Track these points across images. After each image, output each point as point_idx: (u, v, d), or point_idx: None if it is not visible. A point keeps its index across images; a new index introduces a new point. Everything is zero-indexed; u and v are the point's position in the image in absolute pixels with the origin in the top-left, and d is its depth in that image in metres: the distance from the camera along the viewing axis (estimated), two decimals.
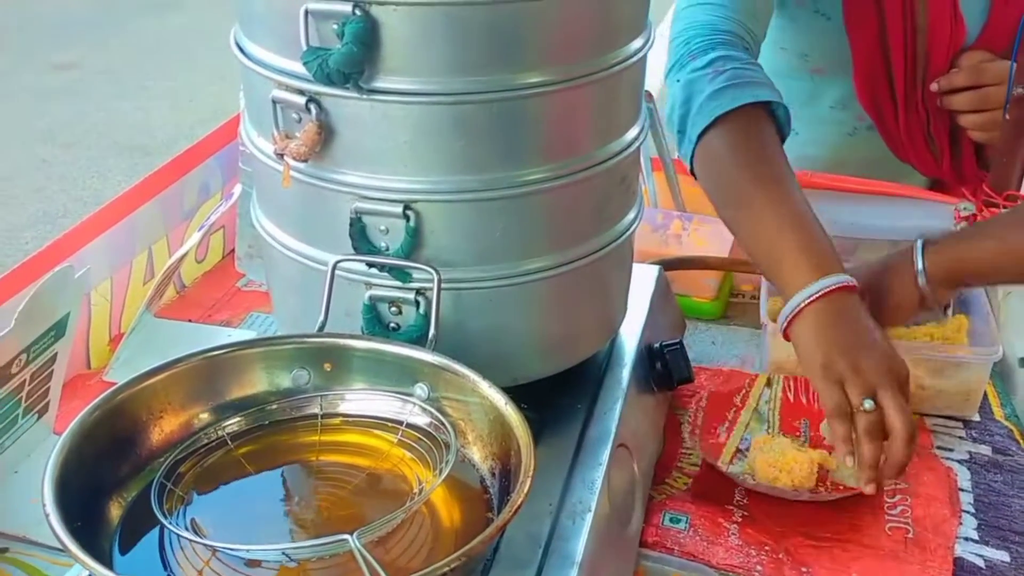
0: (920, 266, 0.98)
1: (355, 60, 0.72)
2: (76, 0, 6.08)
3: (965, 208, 1.26)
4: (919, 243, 1.00)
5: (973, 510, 0.97)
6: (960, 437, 1.08)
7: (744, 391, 1.11)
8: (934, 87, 1.28)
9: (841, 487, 0.97)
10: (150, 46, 5.45)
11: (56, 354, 0.95)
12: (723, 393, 1.11)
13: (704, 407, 1.10)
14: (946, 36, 1.26)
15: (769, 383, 1.11)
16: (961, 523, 0.95)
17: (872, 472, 0.89)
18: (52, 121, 4.51)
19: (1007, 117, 1.24)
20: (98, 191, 3.85)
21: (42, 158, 4.19)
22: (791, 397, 1.10)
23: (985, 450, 1.06)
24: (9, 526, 0.90)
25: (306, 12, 0.73)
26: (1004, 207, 1.23)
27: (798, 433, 1.06)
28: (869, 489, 0.90)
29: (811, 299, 0.94)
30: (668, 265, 1.20)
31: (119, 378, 0.96)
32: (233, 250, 1.37)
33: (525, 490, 0.64)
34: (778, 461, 0.98)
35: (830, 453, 0.99)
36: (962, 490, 1.00)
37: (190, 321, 1.23)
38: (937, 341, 1.10)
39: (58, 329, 0.93)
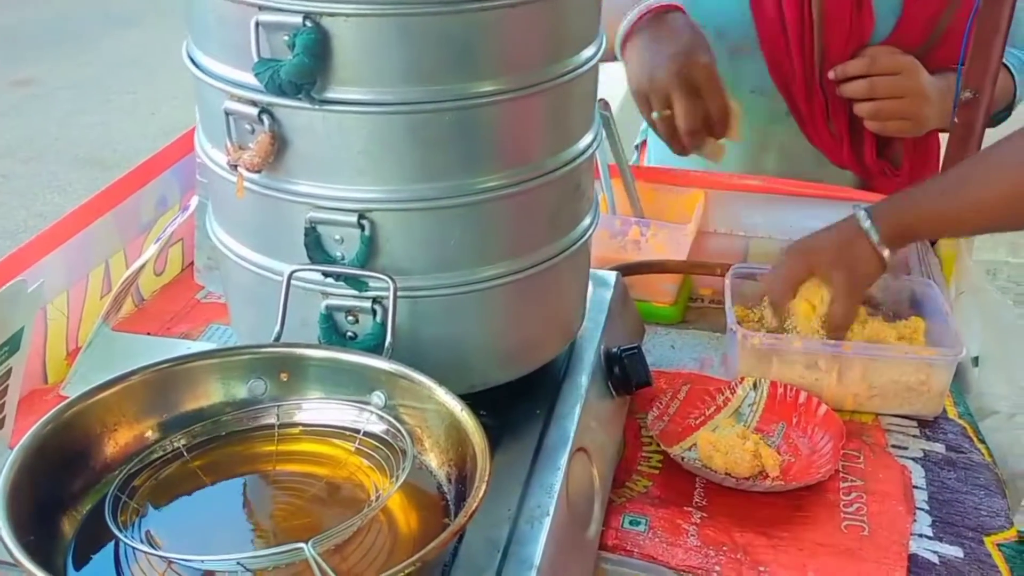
0: (867, 225, 1.06)
1: (306, 71, 0.73)
2: (33, 17, 6.03)
3: None
4: (861, 210, 1.08)
5: (927, 507, 0.99)
6: (914, 435, 1.09)
7: (728, 391, 1.12)
8: (831, 75, 1.31)
9: (789, 480, 0.98)
10: (110, 61, 5.42)
11: (11, 369, 0.93)
12: (707, 389, 1.13)
13: (682, 398, 1.11)
14: (845, 25, 1.29)
15: (755, 386, 1.12)
16: (916, 520, 0.97)
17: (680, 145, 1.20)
18: (11, 137, 4.47)
19: (956, 120, 1.27)
20: (58, 206, 3.82)
21: (1, 174, 4.14)
22: (776, 399, 1.11)
23: (939, 448, 1.07)
24: None
25: (257, 24, 0.73)
26: None
27: (771, 435, 1.07)
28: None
29: (639, 16, 1.10)
30: (626, 270, 1.21)
31: (76, 392, 0.95)
32: (192, 263, 1.36)
33: (480, 495, 0.65)
34: (718, 442, 1.01)
35: None
36: (916, 487, 1.01)
37: (149, 334, 1.22)
38: (898, 343, 1.12)
39: (12, 344, 0.92)
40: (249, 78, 0.75)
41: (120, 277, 1.21)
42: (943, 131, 1.40)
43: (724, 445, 1.01)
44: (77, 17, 6.07)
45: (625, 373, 1.03)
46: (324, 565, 0.59)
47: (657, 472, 1.03)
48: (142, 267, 1.18)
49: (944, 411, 1.13)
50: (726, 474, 0.99)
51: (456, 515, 0.70)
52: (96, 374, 1.06)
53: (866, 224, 1.08)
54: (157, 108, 4.75)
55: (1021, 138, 1.01)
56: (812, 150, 1.40)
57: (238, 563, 0.63)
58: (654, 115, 1.22)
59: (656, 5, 1.23)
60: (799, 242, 1.15)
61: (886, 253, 1.08)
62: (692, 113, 1.20)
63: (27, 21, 5.96)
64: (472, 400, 0.75)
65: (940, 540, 0.95)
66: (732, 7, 1.35)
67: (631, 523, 0.95)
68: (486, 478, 0.66)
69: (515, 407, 0.92)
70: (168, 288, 1.34)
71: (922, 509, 0.98)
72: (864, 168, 1.40)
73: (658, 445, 1.03)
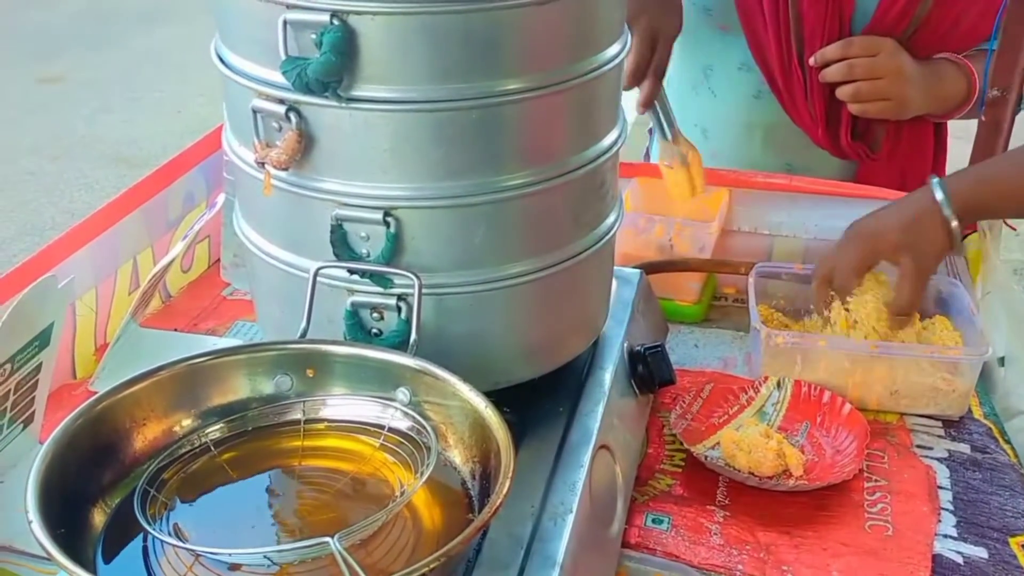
0: (941, 197, 1.05)
1: (333, 69, 0.73)
2: (59, 14, 6.09)
3: None
4: (935, 181, 1.06)
5: (952, 507, 0.98)
6: (939, 436, 1.09)
7: (752, 391, 1.12)
8: (811, 61, 1.31)
9: (814, 478, 0.98)
10: (137, 58, 5.46)
11: (41, 364, 0.95)
12: (731, 388, 1.12)
13: (706, 397, 1.11)
14: (822, 1, 1.29)
15: (779, 385, 1.12)
16: (940, 520, 0.96)
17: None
18: (39, 134, 4.52)
19: (983, 119, 1.26)
20: (86, 203, 3.85)
21: (29, 171, 4.19)
22: (800, 399, 1.10)
23: (964, 448, 1.07)
24: None
25: (284, 22, 0.74)
26: None
27: (795, 434, 1.07)
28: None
29: None
30: (650, 268, 1.21)
31: (105, 388, 0.96)
32: (218, 260, 1.37)
33: (504, 491, 0.65)
34: (741, 441, 1.01)
35: None
36: (941, 488, 1.01)
37: (176, 330, 1.24)
38: (924, 343, 1.12)
39: (42, 339, 0.93)
40: (277, 76, 0.76)
41: (148, 274, 1.23)
42: (936, 119, 1.39)
43: (748, 444, 1.01)
44: (103, 15, 6.12)
45: (649, 371, 1.03)
46: (350, 559, 0.60)
47: (680, 471, 1.03)
48: (170, 264, 1.19)
49: (969, 411, 1.12)
50: (749, 473, 0.99)
51: (480, 511, 0.70)
52: (124, 370, 1.07)
53: (939, 196, 1.05)
54: (184, 106, 4.79)
55: None
56: (796, 130, 1.40)
57: (265, 556, 0.64)
58: None
59: None
60: (861, 223, 1.13)
61: (955, 225, 1.05)
62: (638, 58, 1.24)
63: (54, 19, 6.02)
64: (496, 397, 0.76)
65: (965, 541, 0.94)
66: None
67: (654, 521, 0.96)
68: (510, 474, 0.67)
69: (538, 404, 0.92)
70: (195, 285, 1.35)
71: (947, 509, 0.98)
72: (839, 149, 1.39)
73: (681, 444, 1.03)
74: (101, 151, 4.37)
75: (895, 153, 1.42)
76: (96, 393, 0.75)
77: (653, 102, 1.30)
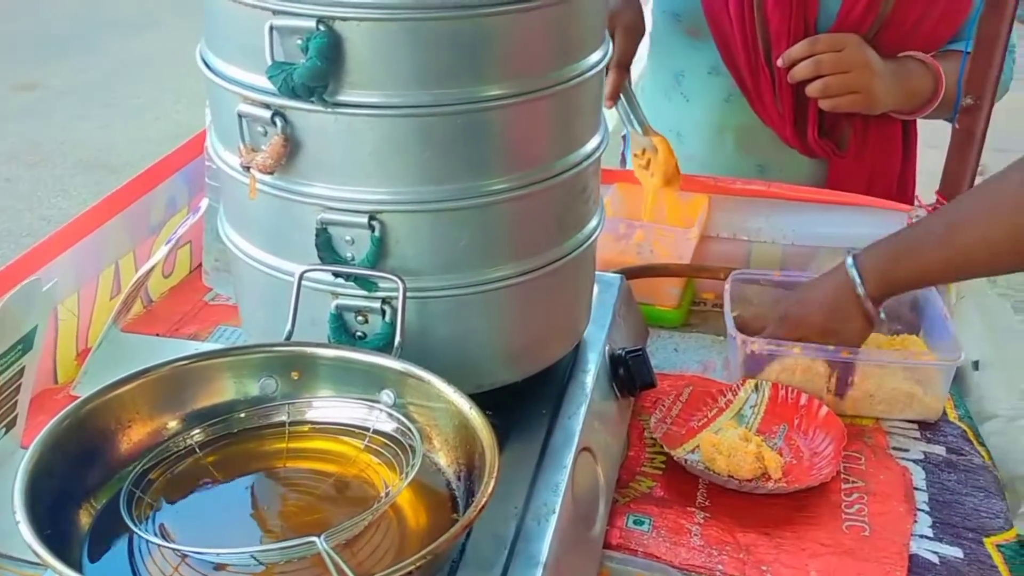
0: (857, 280, 1.07)
1: (319, 74, 0.74)
2: (37, 23, 6.05)
3: (918, 216, 1.29)
4: (848, 260, 1.08)
5: (928, 508, 1.00)
6: (915, 438, 1.10)
7: (731, 394, 1.13)
8: (779, 63, 1.33)
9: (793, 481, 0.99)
10: (114, 65, 5.44)
11: (24, 367, 0.95)
12: (709, 392, 1.14)
13: (685, 400, 1.13)
14: (786, 2, 1.31)
15: (757, 388, 1.13)
16: (916, 521, 0.98)
17: None
18: (16, 141, 4.49)
19: (956, 127, 1.28)
20: (63, 210, 3.83)
21: (6, 178, 4.16)
22: (777, 402, 1.12)
23: (939, 450, 1.08)
24: None
25: (271, 27, 0.75)
26: None
27: (773, 436, 1.08)
28: None
29: None
30: (631, 273, 1.22)
31: (86, 392, 0.96)
32: (200, 265, 1.38)
33: (489, 490, 0.66)
34: (720, 444, 1.02)
35: None
36: (917, 489, 1.02)
37: (158, 335, 1.24)
38: (898, 348, 1.14)
39: (25, 343, 0.93)
40: (262, 81, 0.77)
41: (129, 278, 1.23)
42: (903, 117, 1.41)
43: (727, 447, 1.02)
44: (81, 22, 6.09)
45: (630, 374, 1.04)
46: (337, 558, 0.60)
47: (660, 473, 1.04)
48: (152, 269, 1.19)
49: (944, 414, 1.14)
50: (729, 476, 1.00)
51: (465, 511, 0.71)
52: (105, 374, 1.06)
53: (856, 280, 1.07)
54: (161, 112, 4.77)
55: (1018, 172, 0.96)
56: (766, 130, 1.43)
57: (252, 556, 0.64)
58: None
59: None
60: (789, 308, 1.15)
61: (870, 308, 1.07)
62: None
63: (31, 26, 5.98)
64: (479, 400, 0.76)
65: (940, 541, 0.96)
66: None
67: (635, 522, 0.97)
68: (495, 474, 0.67)
69: (521, 407, 0.93)
70: (176, 290, 1.35)
71: (923, 510, 1.00)
72: (807, 147, 1.42)
73: (662, 447, 1.04)
74: (78, 157, 4.35)
75: (863, 152, 1.44)
76: (78, 398, 0.75)
77: (619, 95, 1.32)
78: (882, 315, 1.12)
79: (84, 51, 5.60)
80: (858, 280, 1.07)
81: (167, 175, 1.31)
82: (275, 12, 0.74)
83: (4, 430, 0.97)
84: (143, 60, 5.46)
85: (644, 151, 1.34)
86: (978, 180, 1.23)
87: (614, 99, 1.33)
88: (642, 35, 1.38)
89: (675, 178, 1.32)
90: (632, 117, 1.36)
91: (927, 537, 0.96)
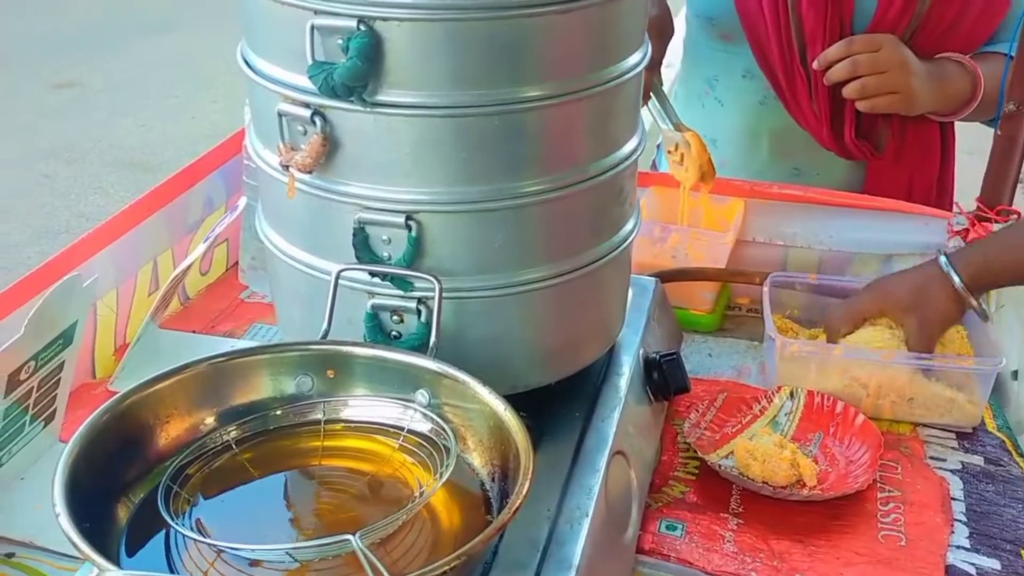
0: (957, 281, 1.09)
1: (359, 74, 0.75)
2: (74, 20, 6.13)
3: (958, 223, 1.28)
4: (943, 259, 1.10)
5: (965, 519, 0.98)
6: (952, 447, 1.09)
7: (765, 400, 1.12)
8: (815, 65, 1.32)
9: (830, 488, 0.98)
10: (151, 64, 5.49)
11: (63, 362, 0.96)
12: (743, 398, 1.13)
13: (719, 406, 1.12)
14: (822, 3, 1.30)
15: (792, 395, 1.12)
16: (953, 531, 0.97)
17: None
18: (54, 139, 4.55)
19: (999, 132, 1.26)
20: (100, 207, 3.88)
21: (44, 174, 4.22)
22: (813, 409, 1.11)
23: (977, 460, 1.07)
24: (15, 531, 0.91)
25: (312, 27, 0.75)
26: (996, 221, 1.25)
27: (808, 444, 1.07)
28: None
29: None
30: (666, 276, 1.22)
31: (124, 387, 0.97)
32: (236, 263, 1.39)
33: (524, 491, 0.66)
34: (755, 450, 1.01)
35: None
36: (954, 499, 1.01)
37: (194, 332, 1.25)
38: (940, 353, 1.13)
39: (66, 337, 0.95)
40: (302, 80, 0.77)
41: (167, 275, 1.24)
42: (941, 119, 1.40)
43: (762, 454, 1.02)
44: (118, 21, 6.16)
45: (664, 379, 1.04)
46: (372, 557, 0.60)
47: (694, 478, 1.03)
48: (190, 266, 1.21)
49: (983, 423, 1.12)
50: (763, 483, 0.99)
51: (498, 513, 0.71)
52: (143, 370, 1.08)
53: (955, 279, 1.09)
54: (197, 112, 4.82)
55: None
56: (802, 133, 1.42)
57: (287, 553, 0.64)
58: None
59: None
60: (879, 280, 1.17)
61: (968, 297, 1.09)
62: None
63: (69, 24, 6.06)
64: (513, 401, 0.76)
65: (977, 552, 0.95)
66: None
67: (668, 528, 0.96)
68: (529, 475, 0.67)
69: (555, 409, 0.93)
70: (213, 287, 1.36)
71: (960, 521, 0.98)
72: (844, 149, 1.40)
73: (695, 452, 1.04)
74: (115, 156, 4.40)
75: (901, 154, 1.42)
76: (116, 393, 0.76)
77: (650, 94, 1.32)
78: (983, 306, 1.13)
79: (122, 51, 5.67)
80: (952, 271, 1.09)
81: (205, 174, 1.32)
82: (316, 12, 0.75)
83: (43, 423, 0.98)
84: (180, 60, 5.51)
85: (677, 147, 1.33)
86: (1020, 187, 1.21)
87: (645, 99, 1.32)
88: (670, 36, 1.38)
89: (709, 173, 1.31)
90: (664, 115, 1.35)
91: (964, 548, 0.95)
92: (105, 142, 4.53)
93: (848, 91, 1.30)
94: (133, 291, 1.22)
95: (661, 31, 1.36)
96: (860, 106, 1.31)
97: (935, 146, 1.46)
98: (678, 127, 1.34)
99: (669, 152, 1.35)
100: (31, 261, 3.44)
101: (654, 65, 1.33)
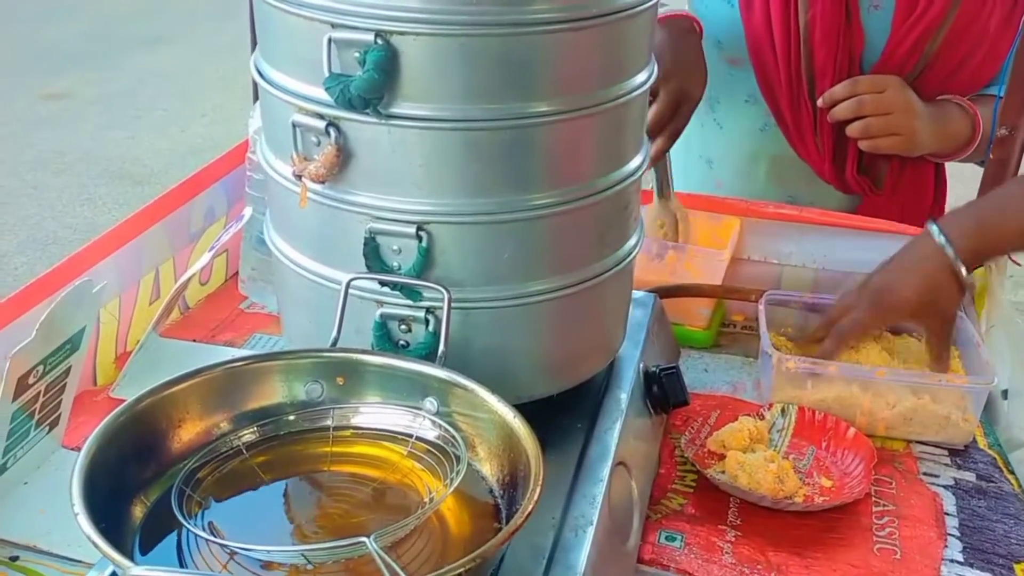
0: (949, 250, 1.07)
1: (376, 87, 0.76)
2: (66, 32, 6.13)
3: None
4: (934, 228, 1.08)
5: (958, 533, 1.00)
6: (945, 464, 1.11)
7: (758, 415, 1.14)
8: (820, 102, 1.34)
9: (824, 499, 1.00)
10: (141, 77, 5.50)
11: (70, 367, 0.97)
12: (736, 416, 1.14)
13: (712, 424, 1.13)
14: (834, 39, 1.32)
15: (784, 412, 1.14)
16: (947, 545, 0.98)
17: None
18: (43, 149, 4.54)
19: (991, 156, 1.29)
20: (88, 218, 3.87)
21: (32, 185, 4.21)
22: (805, 424, 1.12)
23: (970, 477, 1.09)
24: (19, 535, 0.92)
25: (329, 40, 0.76)
26: None
27: (802, 458, 1.09)
28: None
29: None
30: (664, 292, 1.23)
31: (126, 395, 0.98)
32: (236, 273, 1.39)
33: (536, 496, 0.67)
34: (744, 462, 1.03)
35: None
36: (948, 514, 1.03)
37: (195, 341, 1.25)
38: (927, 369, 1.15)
39: (73, 343, 0.95)
40: (317, 92, 0.79)
41: (169, 284, 1.25)
42: (938, 159, 1.42)
43: (750, 465, 1.03)
44: (110, 33, 6.17)
45: (663, 392, 1.05)
46: (387, 558, 0.61)
47: (691, 491, 1.05)
48: (191, 276, 1.21)
49: (974, 441, 1.14)
50: (762, 494, 1.01)
51: (507, 520, 0.72)
52: (145, 377, 1.10)
53: (948, 251, 1.06)
54: (187, 125, 4.82)
55: None
56: (800, 162, 1.43)
57: (302, 555, 0.65)
58: None
59: (673, 12, 1.31)
60: (876, 282, 1.13)
61: (965, 275, 1.07)
62: (658, 116, 1.26)
63: (60, 35, 6.06)
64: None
65: (971, 566, 0.96)
66: (727, 18, 1.40)
67: (667, 539, 0.97)
68: (540, 482, 0.68)
69: (558, 421, 0.94)
70: (213, 297, 1.37)
71: (953, 535, 1.00)
72: (844, 183, 1.42)
73: (692, 465, 1.05)
74: (104, 167, 4.39)
75: (897, 190, 1.45)
76: (118, 400, 0.77)
77: (661, 158, 1.33)
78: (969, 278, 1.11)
79: (112, 63, 5.67)
80: (948, 246, 1.07)
81: (207, 184, 1.33)
82: (334, 25, 0.76)
83: (48, 429, 0.98)
84: (169, 73, 5.52)
85: (664, 224, 1.36)
86: None
87: (656, 161, 1.32)
88: (697, 101, 1.30)
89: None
90: (663, 184, 1.36)
91: (957, 562, 0.96)
92: (94, 153, 4.52)
93: (852, 130, 1.32)
94: (135, 299, 1.22)
95: (686, 96, 1.29)
96: (863, 145, 1.33)
97: (929, 181, 1.49)
98: (666, 197, 1.36)
99: (659, 226, 1.37)
100: (18, 271, 3.43)
101: (677, 135, 1.29)
